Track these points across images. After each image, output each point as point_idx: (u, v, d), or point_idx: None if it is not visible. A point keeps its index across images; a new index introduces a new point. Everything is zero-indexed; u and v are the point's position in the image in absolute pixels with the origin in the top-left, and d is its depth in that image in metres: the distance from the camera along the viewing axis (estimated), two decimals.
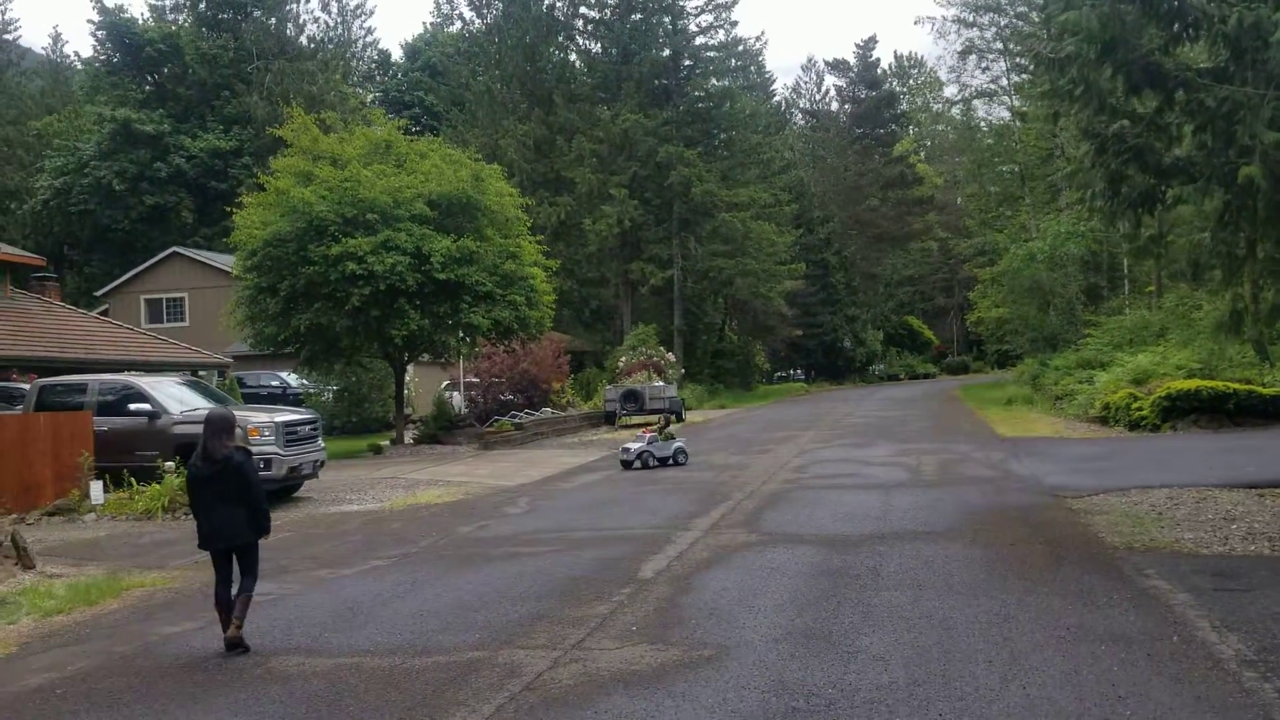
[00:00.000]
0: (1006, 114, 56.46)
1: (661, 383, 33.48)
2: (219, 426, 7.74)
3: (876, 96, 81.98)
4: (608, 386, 34.08)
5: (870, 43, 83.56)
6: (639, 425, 32.01)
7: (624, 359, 36.91)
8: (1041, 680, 6.11)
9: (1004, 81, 55.04)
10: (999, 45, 53.29)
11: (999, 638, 7.05)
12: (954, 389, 51.44)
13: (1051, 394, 31.87)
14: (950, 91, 72.05)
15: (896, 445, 21.85)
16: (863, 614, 7.81)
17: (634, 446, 19.51)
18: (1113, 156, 10.34)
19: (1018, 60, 50.42)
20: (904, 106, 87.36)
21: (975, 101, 59.46)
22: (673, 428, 21.70)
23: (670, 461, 19.41)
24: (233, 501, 7.58)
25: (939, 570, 9.28)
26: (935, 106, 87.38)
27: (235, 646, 7.45)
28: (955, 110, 66.88)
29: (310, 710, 6.14)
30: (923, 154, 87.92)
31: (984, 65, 55.10)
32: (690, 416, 35.17)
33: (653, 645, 7.19)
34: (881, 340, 77.37)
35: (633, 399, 32.31)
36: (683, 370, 41.97)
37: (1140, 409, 22.86)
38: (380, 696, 6.32)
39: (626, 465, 19.26)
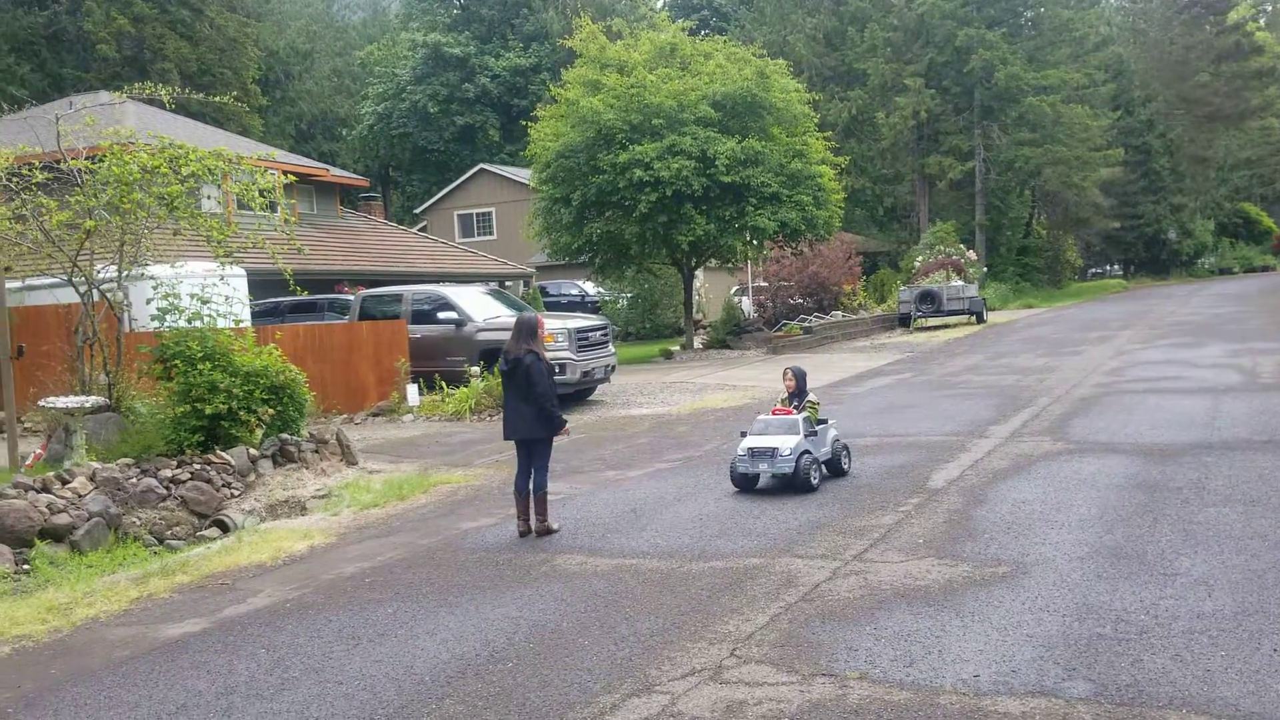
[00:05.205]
0: None
1: (960, 282, 31.90)
2: (521, 330, 8.40)
3: None
4: (902, 288, 32.87)
5: None
6: (937, 327, 30.75)
7: (920, 258, 35.46)
8: None
9: None
10: None
11: None
12: None
13: None
14: None
15: (1229, 345, 19.72)
16: (1183, 532, 7.01)
17: (761, 444, 9.19)
18: None
19: None
20: None
21: None
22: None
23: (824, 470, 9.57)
24: (525, 399, 8.18)
25: (1276, 485, 8.20)
26: None
27: (545, 533, 8.20)
28: None
29: (589, 609, 6.24)
30: (1262, 20, 77.54)
31: None
32: (993, 317, 33.42)
33: (940, 560, 6.77)
34: (1212, 231, 70.16)
35: (929, 300, 31.00)
36: (985, 268, 39.86)
37: None
38: (656, 599, 6.34)
39: (746, 484, 9.31)
